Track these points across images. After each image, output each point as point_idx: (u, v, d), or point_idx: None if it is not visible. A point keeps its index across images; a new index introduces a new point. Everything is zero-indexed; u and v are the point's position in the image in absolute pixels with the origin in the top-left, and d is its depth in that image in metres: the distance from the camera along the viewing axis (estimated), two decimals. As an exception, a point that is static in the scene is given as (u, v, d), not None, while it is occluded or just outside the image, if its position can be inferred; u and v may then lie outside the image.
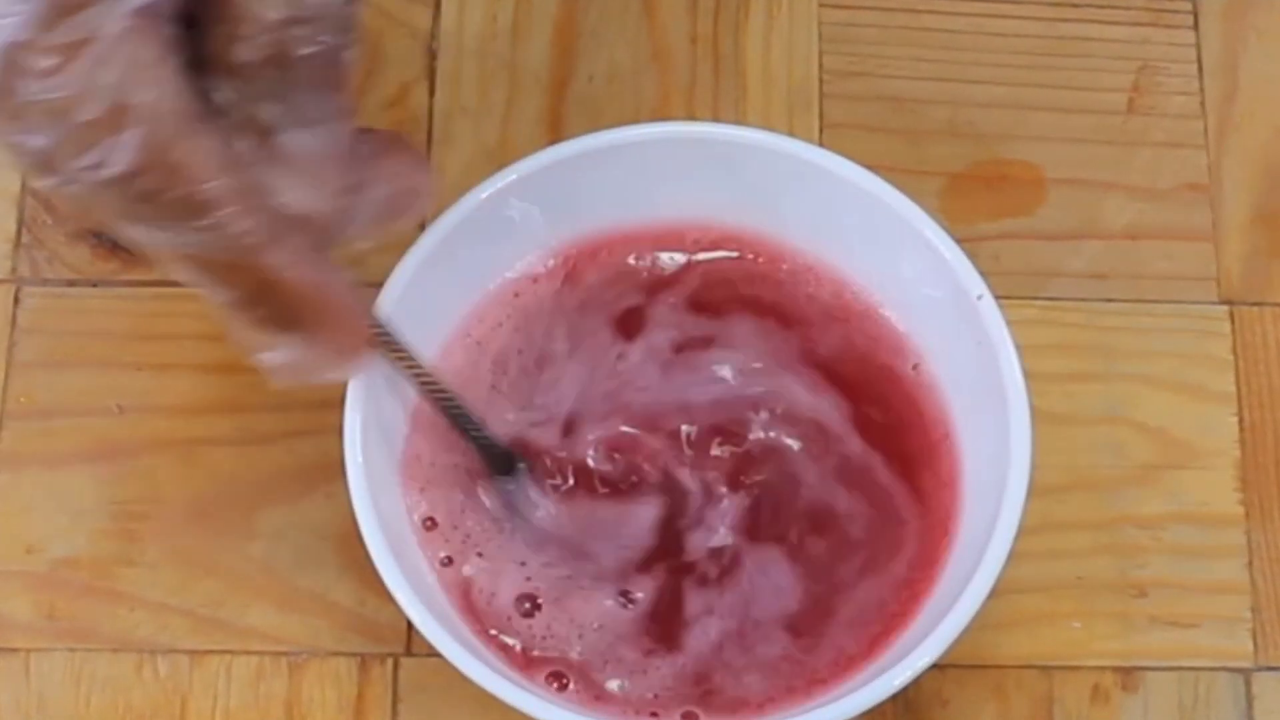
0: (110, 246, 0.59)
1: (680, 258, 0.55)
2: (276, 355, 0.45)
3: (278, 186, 0.43)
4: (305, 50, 0.42)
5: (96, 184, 0.40)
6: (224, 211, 0.41)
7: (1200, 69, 0.62)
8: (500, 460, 0.52)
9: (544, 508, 0.52)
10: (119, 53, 0.39)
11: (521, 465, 0.52)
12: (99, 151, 0.39)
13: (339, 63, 0.43)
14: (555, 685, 0.50)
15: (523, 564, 0.52)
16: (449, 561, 0.52)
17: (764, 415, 0.53)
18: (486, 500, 0.52)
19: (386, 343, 0.49)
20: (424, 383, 0.50)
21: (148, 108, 0.39)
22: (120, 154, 0.39)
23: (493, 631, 0.51)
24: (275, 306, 0.44)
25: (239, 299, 0.43)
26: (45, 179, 0.41)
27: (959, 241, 0.52)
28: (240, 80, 0.42)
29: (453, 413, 0.51)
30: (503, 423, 0.53)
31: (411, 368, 0.50)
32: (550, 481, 0.52)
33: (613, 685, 0.50)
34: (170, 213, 0.41)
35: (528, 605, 0.51)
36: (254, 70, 0.42)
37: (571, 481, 0.53)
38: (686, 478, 0.53)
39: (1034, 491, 0.49)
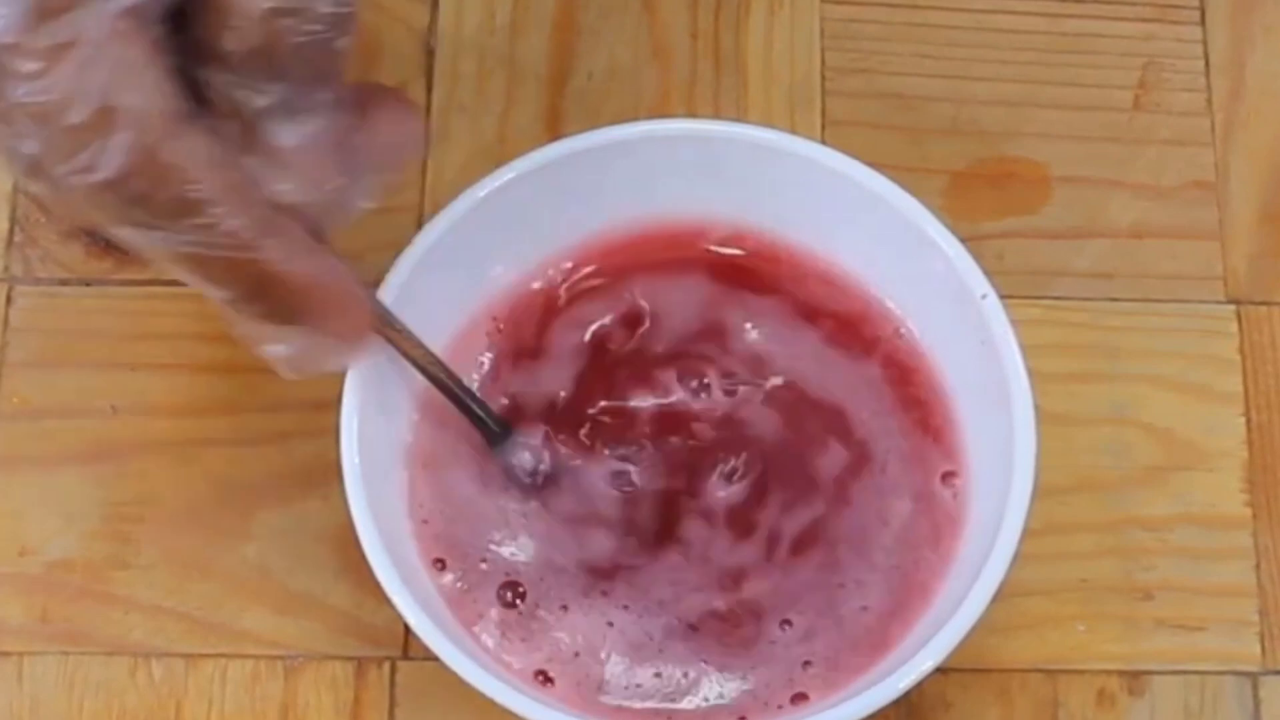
0: (104, 245, 0.59)
1: (680, 254, 0.55)
2: (282, 348, 0.45)
3: (268, 179, 0.43)
4: (295, 40, 0.41)
5: (86, 188, 0.40)
6: (215, 210, 0.41)
7: (1207, 66, 0.62)
8: (502, 436, 0.52)
9: (548, 481, 0.53)
10: (105, 55, 0.39)
11: (521, 439, 0.53)
12: (87, 155, 0.39)
13: (331, 53, 0.42)
14: (541, 679, 0.50)
15: (524, 566, 0.52)
16: (445, 565, 0.52)
17: (766, 417, 0.53)
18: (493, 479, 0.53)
19: (388, 326, 0.49)
20: (424, 364, 0.51)
21: (136, 110, 0.39)
22: (109, 158, 0.39)
23: (483, 632, 0.51)
24: (275, 300, 0.44)
25: (238, 296, 0.43)
26: (37, 183, 0.41)
27: (962, 240, 0.52)
28: (229, 70, 0.42)
29: (454, 393, 0.51)
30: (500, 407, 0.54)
31: (412, 349, 0.50)
32: (559, 456, 0.53)
33: (606, 687, 0.50)
34: (161, 214, 0.41)
35: (529, 609, 0.51)
36: (243, 60, 0.41)
37: (576, 460, 0.53)
38: (684, 470, 0.53)
39: (1038, 493, 0.49)
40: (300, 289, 0.44)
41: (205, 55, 0.41)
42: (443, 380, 0.51)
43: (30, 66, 0.38)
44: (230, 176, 0.41)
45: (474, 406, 0.52)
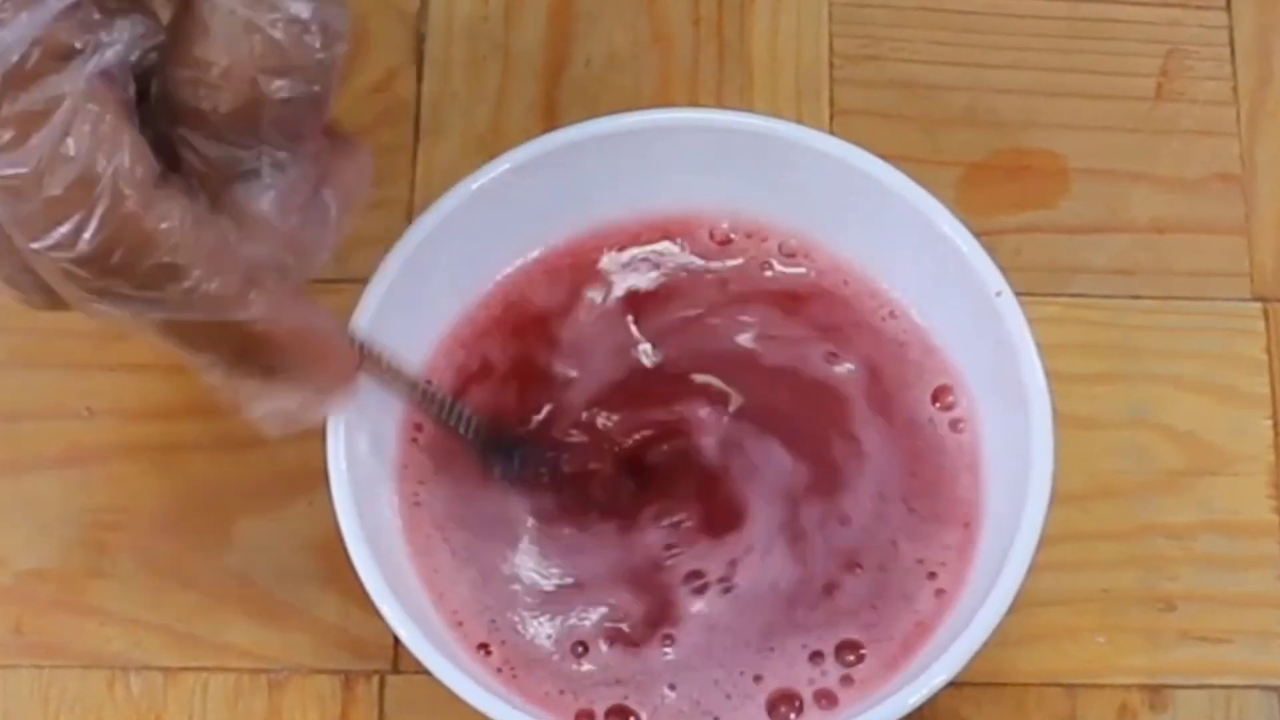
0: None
1: (682, 248, 0.55)
2: (266, 405, 0.45)
3: (240, 240, 0.42)
4: (282, 98, 0.41)
5: (64, 263, 0.39)
6: (196, 274, 0.40)
7: (1232, 52, 0.62)
8: (503, 458, 0.53)
9: (555, 506, 0.53)
10: (83, 120, 0.38)
11: (522, 458, 0.53)
12: (66, 229, 0.38)
13: (316, 108, 0.41)
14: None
15: (524, 575, 0.52)
16: (442, 570, 0.52)
17: (768, 418, 0.53)
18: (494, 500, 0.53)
19: (371, 360, 0.49)
20: (412, 392, 0.51)
21: (116, 176, 0.38)
22: (90, 229, 0.38)
23: (485, 646, 0.51)
24: (262, 357, 0.44)
25: (223, 357, 0.43)
26: None
27: (977, 235, 0.52)
28: (206, 130, 0.41)
29: (446, 417, 0.52)
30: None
31: (397, 379, 0.50)
32: (561, 481, 0.53)
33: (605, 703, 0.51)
34: (141, 284, 0.40)
35: (529, 619, 0.51)
36: (224, 120, 0.41)
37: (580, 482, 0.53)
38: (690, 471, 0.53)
39: (1056, 499, 0.49)
40: (287, 342, 0.44)
41: (178, 113, 0.40)
42: (435, 409, 0.52)
43: (3, 137, 0.38)
44: (208, 236, 0.41)
45: (466, 431, 0.52)
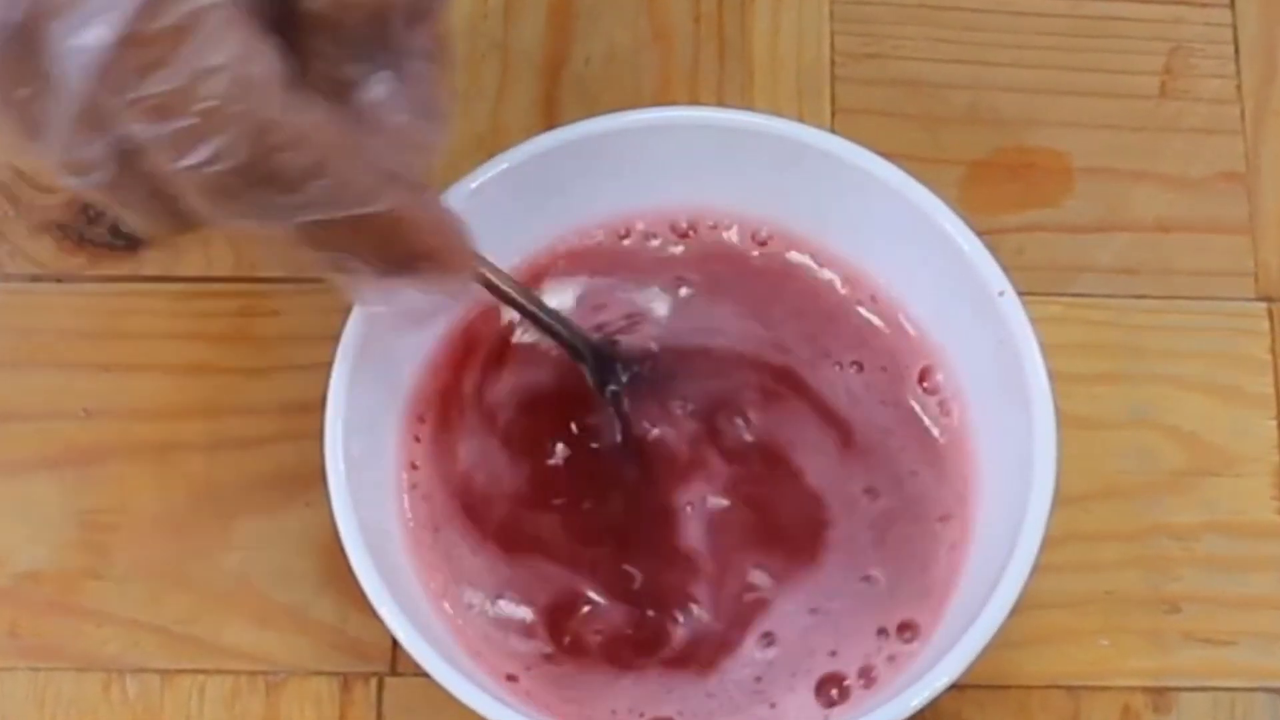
0: (77, 239, 0.59)
1: (683, 248, 0.55)
2: (394, 300, 0.45)
3: (363, 141, 0.42)
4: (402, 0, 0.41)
5: (211, 177, 0.39)
6: (340, 171, 0.40)
7: (1236, 50, 0.62)
8: (597, 362, 0.53)
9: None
10: (225, 30, 0.37)
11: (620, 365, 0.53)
12: (219, 141, 0.38)
13: (432, 9, 0.42)
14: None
15: (529, 577, 0.52)
16: (441, 572, 0.52)
17: (767, 422, 0.53)
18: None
19: (482, 265, 0.50)
20: (515, 295, 0.51)
21: (261, 85, 0.38)
22: (244, 139, 0.38)
23: (489, 652, 0.51)
24: (394, 249, 0.44)
25: (359, 253, 0.43)
26: (119, 193, 0.40)
27: (979, 234, 0.52)
28: (331, 37, 0.41)
29: (554, 326, 0.52)
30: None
31: (500, 281, 0.50)
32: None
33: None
34: (289, 186, 0.40)
35: (532, 624, 0.51)
36: (347, 27, 0.41)
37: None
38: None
39: (1059, 500, 0.49)
40: (418, 233, 0.44)
41: (309, 24, 0.41)
42: (534, 311, 0.52)
43: (150, 55, 0.37)
44: (343, 133, 0.41)
45: (568, 335, 0.52)
